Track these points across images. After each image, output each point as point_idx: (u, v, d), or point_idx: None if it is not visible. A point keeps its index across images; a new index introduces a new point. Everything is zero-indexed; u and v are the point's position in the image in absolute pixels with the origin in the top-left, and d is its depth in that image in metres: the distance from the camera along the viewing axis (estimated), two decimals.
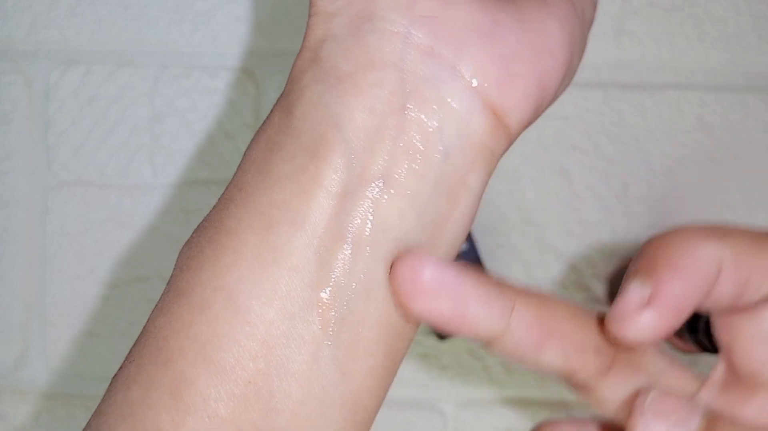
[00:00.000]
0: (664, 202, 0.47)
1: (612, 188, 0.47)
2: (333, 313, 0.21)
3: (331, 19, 0.22)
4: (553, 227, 0.47)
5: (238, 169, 0.23)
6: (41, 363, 0.48)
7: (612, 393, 0.22)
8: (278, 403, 0.21)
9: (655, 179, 0.47)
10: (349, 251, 0.21)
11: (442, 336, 0.45)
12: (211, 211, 0.23)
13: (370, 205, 0.21)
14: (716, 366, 0.23)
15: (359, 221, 0.21)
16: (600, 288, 0.47)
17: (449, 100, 0.21)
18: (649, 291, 0.21)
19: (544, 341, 0.22)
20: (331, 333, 0.21)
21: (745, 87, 0.47)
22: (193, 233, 0.23)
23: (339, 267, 0.21)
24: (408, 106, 0.21)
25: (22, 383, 0.48)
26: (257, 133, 0.23)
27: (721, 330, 0.23)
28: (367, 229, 0.21)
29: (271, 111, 0.23)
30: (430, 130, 0.21)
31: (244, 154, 0.23)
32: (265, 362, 0.21)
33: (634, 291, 0.21)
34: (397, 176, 0.21)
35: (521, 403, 0.47)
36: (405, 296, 0.21)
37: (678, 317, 0.21)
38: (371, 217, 0.21)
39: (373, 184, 0.21)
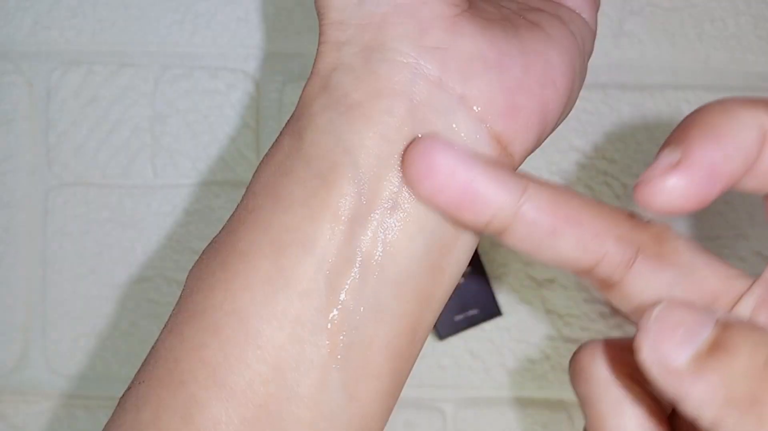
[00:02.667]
0: None
1: (612, 188, 0.47)
2: (341, 337, 0.21)
3: (342, 47, 0.22)
4: None
5: (247, 191, 0.23)
6: (42, 363, 0.48)
7: (639, 289, 0.20)
8: (288, 426, 0.21)
9: None
10: (358, 275, 0.21)
11: (441, 336, 0.45)
12: (220, 232, 0.23)
13: (379, 229, 0.21)
14: None
15: (368, 246, 0.21)
16: None
17: (456, 129, 0.22)
18: (678, 156, 0.19)
19: (559, 226, 0.20)
20: (339, 357, 0.21)
21: (745, 87, 0.47)
22: (202, 254, 0.23)
23: (348, 291, 0.21)
24: (417, 134, 0.21)
25: (22, 383, 0.48)
26: (266, 156, 0.23)
27: None
28: (376, 254, 0.21)
29: (280, 134, 0.23)
30: None
31: (253, 177, 0.23)
32: (276, 386, 0.21)
33: (662, 158, 0.19)
34: (405, 202, 0.21)
35: (521, 403, 0.47)
36: (416, 177, 0.21)
37: (711, 184, 0.19)
38: (380, 242, 0.21)
39: (382, 210, 0.21)
